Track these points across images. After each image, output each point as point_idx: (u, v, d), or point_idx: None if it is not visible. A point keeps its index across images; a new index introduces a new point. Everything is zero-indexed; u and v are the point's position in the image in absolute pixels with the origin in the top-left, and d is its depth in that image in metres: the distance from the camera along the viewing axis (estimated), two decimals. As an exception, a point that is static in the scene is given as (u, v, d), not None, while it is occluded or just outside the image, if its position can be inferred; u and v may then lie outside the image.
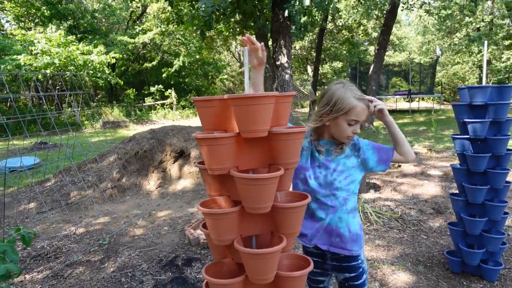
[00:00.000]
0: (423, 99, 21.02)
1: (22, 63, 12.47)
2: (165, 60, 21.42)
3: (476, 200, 2.67)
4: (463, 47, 20.98)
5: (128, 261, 3.23)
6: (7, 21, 19.07)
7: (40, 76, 13.81)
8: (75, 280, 2.95)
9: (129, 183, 5.44)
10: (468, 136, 2.66)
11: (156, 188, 5.46)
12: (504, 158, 2.66)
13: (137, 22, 22.43)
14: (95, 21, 20.33)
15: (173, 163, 5.71)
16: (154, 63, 20.62)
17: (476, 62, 22.46)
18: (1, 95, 12.31)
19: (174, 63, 19.72)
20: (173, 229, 3.93)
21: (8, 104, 15.69)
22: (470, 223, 2.71)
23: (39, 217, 4.45)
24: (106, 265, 3.17)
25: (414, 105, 19.59)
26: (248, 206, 1.41)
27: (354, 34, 18.31)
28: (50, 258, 3.34)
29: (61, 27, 16.31)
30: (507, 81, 21.81)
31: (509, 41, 19.27)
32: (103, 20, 21.23)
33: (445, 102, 22.28)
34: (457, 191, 2.90)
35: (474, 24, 20.50)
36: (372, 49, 20.28)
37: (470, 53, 22.27)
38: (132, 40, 18.33)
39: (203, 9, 5.04)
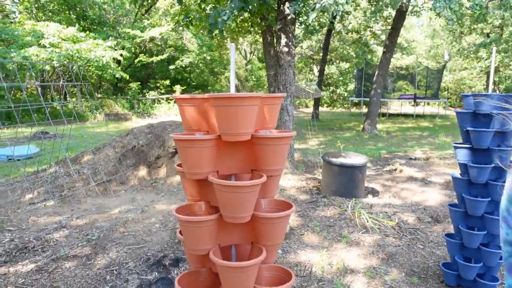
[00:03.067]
0: (428, 103, 20.79)
1: (30, 54, 12.46)
2: (173, 55, 21.31)
3: (475, 212, 2.57)
4: (471, 53, 20.67)
5: (115, 258, 3.15)
6: (19, 12, 19.03)
7: (47, 67, 13.80)
8: (59, 275, 2.88)
9: (124, 177, 5.37)
10: (471, 146, 2.55)
11: (152, 183, 5.39)
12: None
13: (145, 15, 22.31)
14: (103, 13, 20.26)
15: (170, 159, 5.64)
16: (162, 57, 20.52)
17: (483, 69, 22.17)
18: (8, 84, 12.29)
19: (182, 59, 19.60)
20: (165, 227, 3.85)
21: (12, 93, 15.73)
22: (468, 236, 2.61)
23: (30, 208, 4.40)
24: (92, 261, 3.11)
25: (419, 109, 19.37)
26: (226, 214, 1.30)
27: (362, 36, 18.06)
28: (36, 252, 3.27)
29: (71, 19, 16.23)
30: (515, 89, 21.50)
31: (519, 48, 18.97)
32: (111, 12, 21.15)
33: (450, 108, 22.03)
34: (456, 201, 2.80)
35: (483, 29, 20.20)
36: (380, 50, 20.04)
37: (478, 59, 21.97)
38: (141, 34, 18.26)
39: (213, 23, 4.87)
